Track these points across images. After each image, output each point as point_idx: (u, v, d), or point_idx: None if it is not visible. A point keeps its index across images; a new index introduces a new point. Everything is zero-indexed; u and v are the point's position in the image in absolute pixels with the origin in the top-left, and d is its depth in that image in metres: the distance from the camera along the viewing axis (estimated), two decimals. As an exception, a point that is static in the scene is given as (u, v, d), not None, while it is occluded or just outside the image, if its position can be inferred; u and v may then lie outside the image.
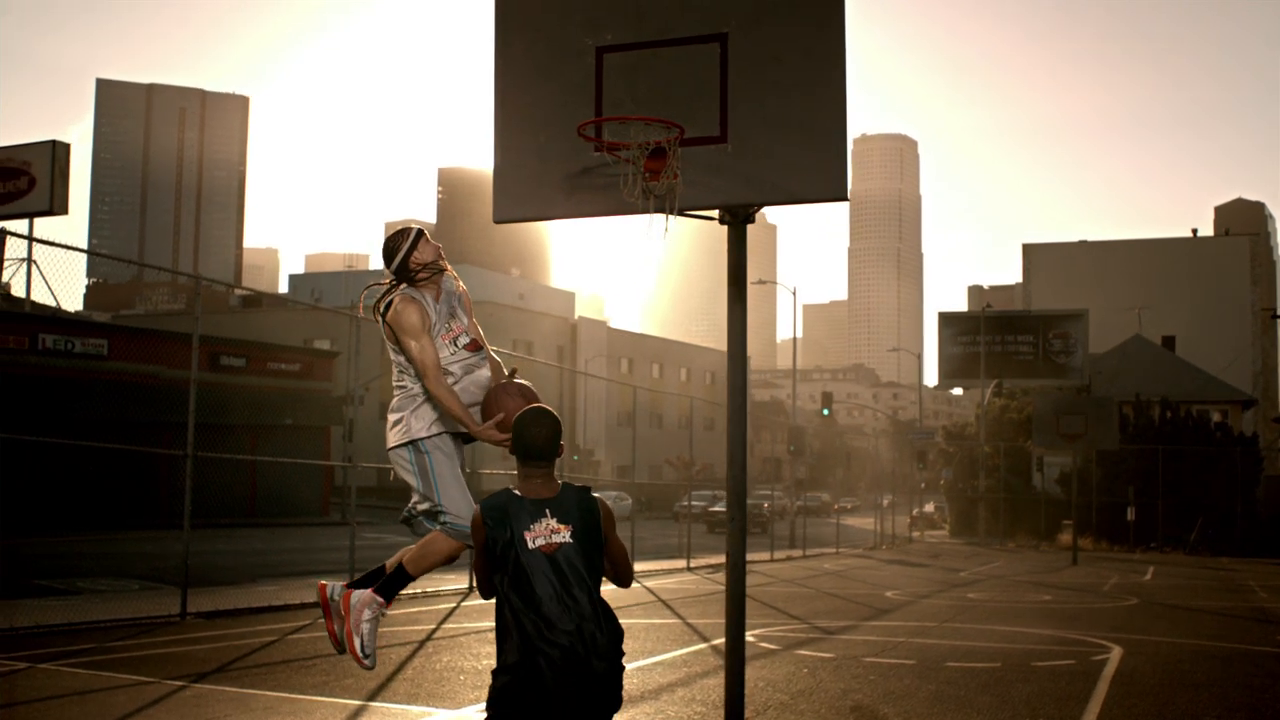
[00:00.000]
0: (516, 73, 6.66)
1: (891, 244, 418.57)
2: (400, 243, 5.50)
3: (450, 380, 5.44)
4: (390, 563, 5.76)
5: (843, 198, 6.07)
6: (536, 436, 4.52)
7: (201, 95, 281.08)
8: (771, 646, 11.92)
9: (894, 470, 54.41)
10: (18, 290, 46.15)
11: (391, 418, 5.59)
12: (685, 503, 49.51)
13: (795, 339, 53.14)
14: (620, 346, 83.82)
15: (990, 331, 52.65)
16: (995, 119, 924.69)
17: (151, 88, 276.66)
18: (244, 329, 58.88)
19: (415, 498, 5.62)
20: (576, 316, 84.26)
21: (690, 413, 30.43)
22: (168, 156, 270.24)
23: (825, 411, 61.17)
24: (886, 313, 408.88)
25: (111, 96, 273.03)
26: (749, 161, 6.22)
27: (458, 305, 5.62)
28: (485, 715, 4.45)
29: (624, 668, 4.45)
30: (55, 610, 12.77)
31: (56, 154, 40.61)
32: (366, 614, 5.50)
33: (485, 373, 5.62)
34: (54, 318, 39.36)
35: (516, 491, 4.49)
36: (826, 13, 6.11)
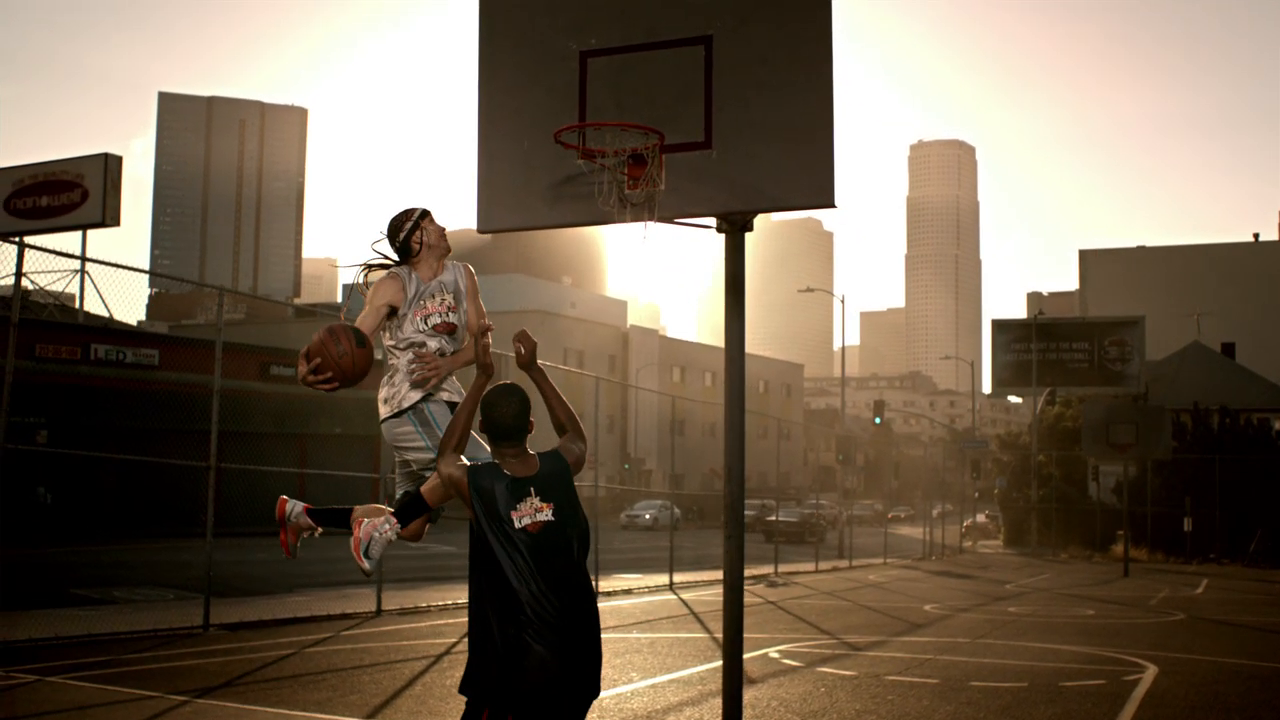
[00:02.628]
0: (500, 77, 6.51)
1: (949, 250, 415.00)
2: (404, 221, 5.58)
3: (416, 338, 5.52)
4: (359, 509, 5.93)
5: (830, 205, 5.85)
6: (504, 415, 4.47)
7: (261, 107, 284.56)
8: (794, 663, 11.67)
9: (943, 479, 53.74)
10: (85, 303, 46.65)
11: (383, 393, 5.66)
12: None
13: (843, 347, 52.68)
14: (672, 355, 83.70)
15: (1044, 339, 51.81)
16: (1054, 124, 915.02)
17: (212, 100, 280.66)
18: (298, 338, 59.37)
19: (403, 484, 5.75)
20: (628, 325, 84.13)
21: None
22: (228, 168, 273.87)
23: (877, 420, 60.70)
24: (944, 320, 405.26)
25: (173, 109, 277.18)
26: (734, 167, 6.03)
27: (447, 289, 5.61)
28: (466, 701, 4.40)
29: (601, 648, 4.43)
30: (77, 621, 12.79)
31: (109, 166, 41.09)
32: (379, 526, 5.55)
33: (461, 355, 5.68)
34: (106, 328, 39.83)
35: (505, 470, 4.46)
36: (813, 13, 5.90)
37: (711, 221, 6.84)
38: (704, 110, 6.03)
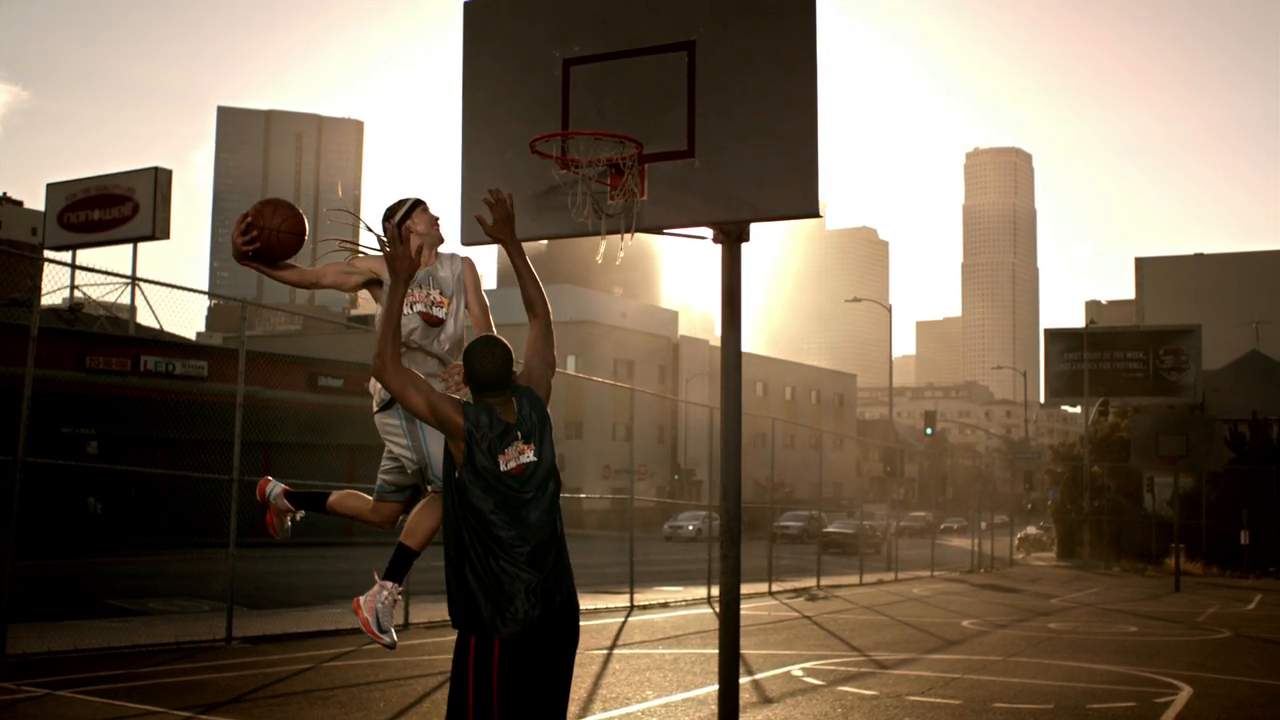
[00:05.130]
0: (483, 87, 6.39)
1: (1006, 259, 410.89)
2: (396, 210, 5.60)
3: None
4: (336, 494, 6.04)
5: (813, 214, 5.67)
6: (486, 368, 4.52)
7: (318, 120, 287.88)
8: (816, 682, 11.43)
9: (995, 490, 53.08)
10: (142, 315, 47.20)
11: (374, 383, 5.62)
12: (782, 523, 48.95)
13: (891, 357, 52.21)
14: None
15: (1098, 348, 51.05)
16: (1112, 130, 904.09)
17: (270, 114, 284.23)
18: (351, 350, 59.81)
19: (386, 469, 5.74)
20: (679, 335, 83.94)
21: (775, 432, 29.82)
22: (285, 180, 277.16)
23: (928, 431, 60.11)
24: (1001, 329, 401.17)
25: (232, 123, 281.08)
26: (717, 176, 5.86)
27: (436, 282, 5.56)
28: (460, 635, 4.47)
29: (573, 579, 4.60)
30: (101, 633, 12.79)
31: (159, 180, 41.75)
32: (379, 597, 5.55)
33: (442, 343, 5.61)
34: (155, 340, 40.25)
35: (498, 414, 4.52)
36: (796, 15, 5.72)
37: (707, 232, 6.68)
38: (686, 117, 5.87)
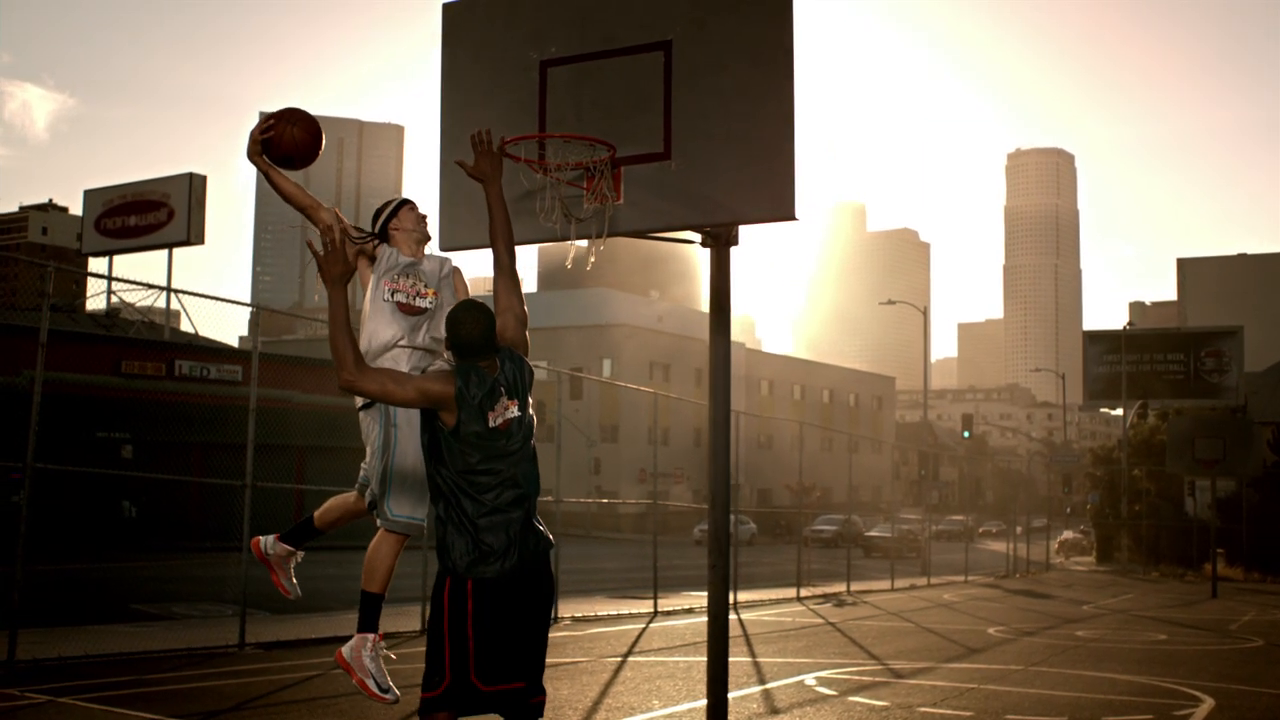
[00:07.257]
0: (461, 90, 6.31)
1: (1048, 260, 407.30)
2: (384, 208, 5.68)
3: (376, 311, 5.48)
4: (318, 513, 5.95)
5: (790, 217, 5.53)
6: (472, 334, 4.54)
7: (359, 126, 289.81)
8: (827, 691, 11.26)
9: (1034, 494, 52.44)
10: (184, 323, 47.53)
11: None
12: (815, 527, 48.66)
13: (926, 360, 51.78)
14: (760, 368, 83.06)
15: (1138, 350, 50.45)
16: (1154, 132, 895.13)
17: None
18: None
19: (366, 472, 5.66)
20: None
21: (805, 436, 29.59)
22: (327, 185, 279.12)
23: (966, 434, 59.61)
24: (1043, 331, 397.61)
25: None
26: (693, 179, 5.74)
27: (421, 275, 5.54)
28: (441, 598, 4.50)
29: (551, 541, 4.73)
30: (115, 638, 12.81)
31: (193, 185, 42.03)
32: (365, 654, 5.44)
33: (419, 335, 5.55)
34: (190, 345, 40.49)
35: (485, 373, 4.57)
36: (773, 15, 5.59)
37: (695, 236, 6.56)
38: (663, 119, 5.75)
